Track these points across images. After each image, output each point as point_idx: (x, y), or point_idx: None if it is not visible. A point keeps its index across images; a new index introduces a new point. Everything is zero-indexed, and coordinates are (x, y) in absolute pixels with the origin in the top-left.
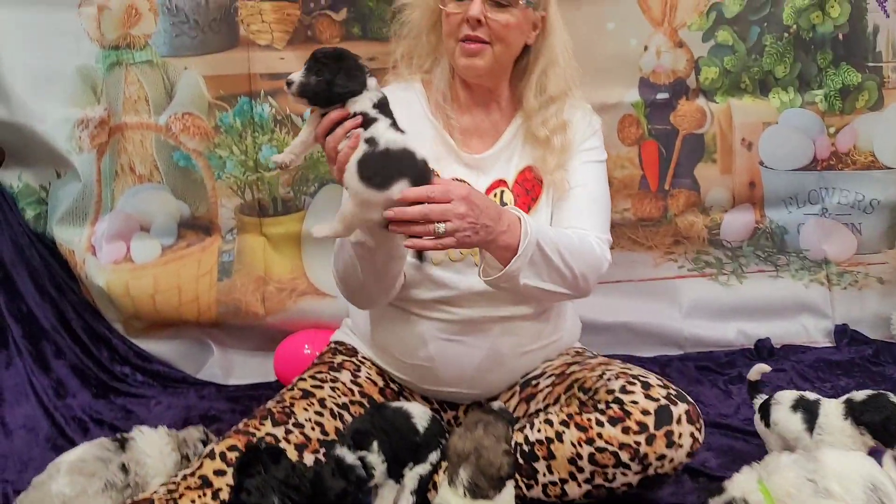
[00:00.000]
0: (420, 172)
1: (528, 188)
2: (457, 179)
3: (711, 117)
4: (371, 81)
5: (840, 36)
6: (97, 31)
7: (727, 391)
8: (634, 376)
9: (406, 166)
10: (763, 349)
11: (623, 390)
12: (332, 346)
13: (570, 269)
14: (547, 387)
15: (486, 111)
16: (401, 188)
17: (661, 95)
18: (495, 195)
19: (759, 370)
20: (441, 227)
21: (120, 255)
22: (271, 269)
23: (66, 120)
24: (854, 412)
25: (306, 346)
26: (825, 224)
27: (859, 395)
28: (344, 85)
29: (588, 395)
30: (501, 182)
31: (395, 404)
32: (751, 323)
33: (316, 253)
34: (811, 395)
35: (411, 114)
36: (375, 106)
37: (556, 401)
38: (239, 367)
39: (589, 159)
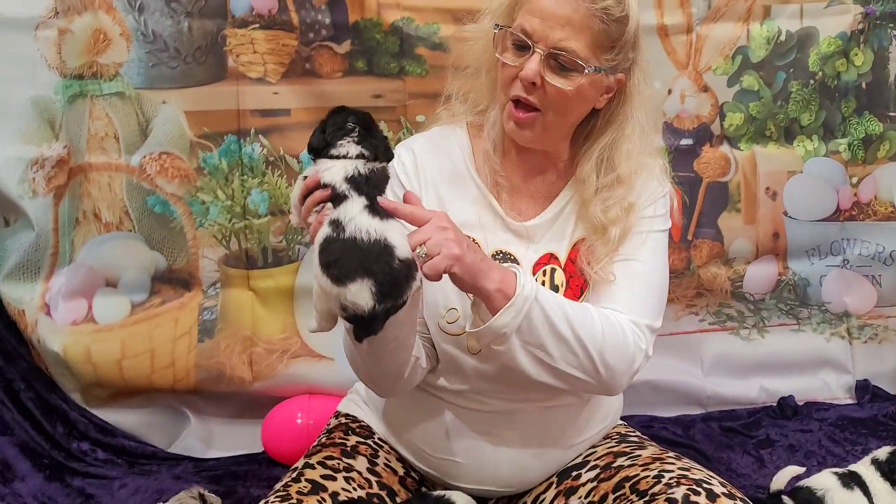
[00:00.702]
0: (393, 275)
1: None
2: (502, 252)
3: (736, 165)
4: (346, 147)
5: (863, 84)
6: (57, 57)
7: (759, 457)
8: (697, 482)
9: (376, 263)
10: (787, 407)
11: (686, 501)
12: (342, 420)
13: (583, 344)
14: (590, 480)
15: (541, 174)
16: (360, 288)
17: (685, 141)
18: (544, 273)
19: (787, 476)
20: (422, 250)
21: (80, 315)
22: (260, 327)
23: (17, 159)
24: (884, 472)
25: (299, 416)
26: (846, 276)
27: (881, 453)
28: (309, 141)
29: (644, 500)
30: (552, 258)
31: (438, 493)
32: (773, 379)
33: (311, 310)
34: (839, 469)
35: (453, 169)
36: (349, 180)
37: (603, 500)
38: (220, 438)
39: (646, 228)
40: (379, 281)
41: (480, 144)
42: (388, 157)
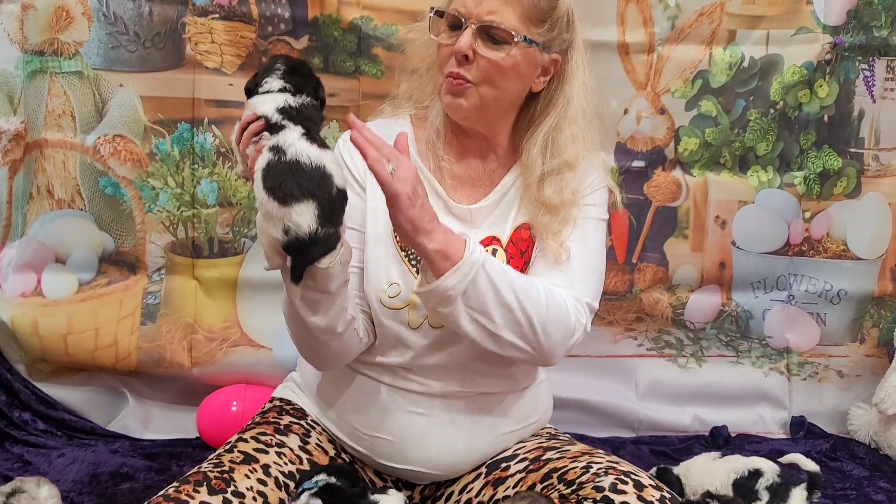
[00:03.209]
0: (332, 200)
1: (523, 249)
2: None
3: (687, 191)
4: (270, 84)
5: (825, 118)
6: (19, 32)
7: None
8: (626, 473)
9: (317, 186)
10: (719, 437)
11: (614, 489)
12: (277, 403)
13: (527, 314)
14: (519, 472)
15: (482, 160)
16: (302, 210)
17: (637, 163)
18: None
19: None
20: (391, 166)
21: (29, 288)
22: (201, 315)
23: None
24: None
25: (234, 403)
26: (790, 312)
27: None
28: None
29: (571, 488)
30: (494, 239)
31: (373, 499)
32: (707, 409)
33: (252, 301)
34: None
35: None
36: (281, 111)
37: (530, 490)
38: (157, 421)
39: (587, 215)
40: (321, 204)
41: (423, 134)
42: (318, 96)
